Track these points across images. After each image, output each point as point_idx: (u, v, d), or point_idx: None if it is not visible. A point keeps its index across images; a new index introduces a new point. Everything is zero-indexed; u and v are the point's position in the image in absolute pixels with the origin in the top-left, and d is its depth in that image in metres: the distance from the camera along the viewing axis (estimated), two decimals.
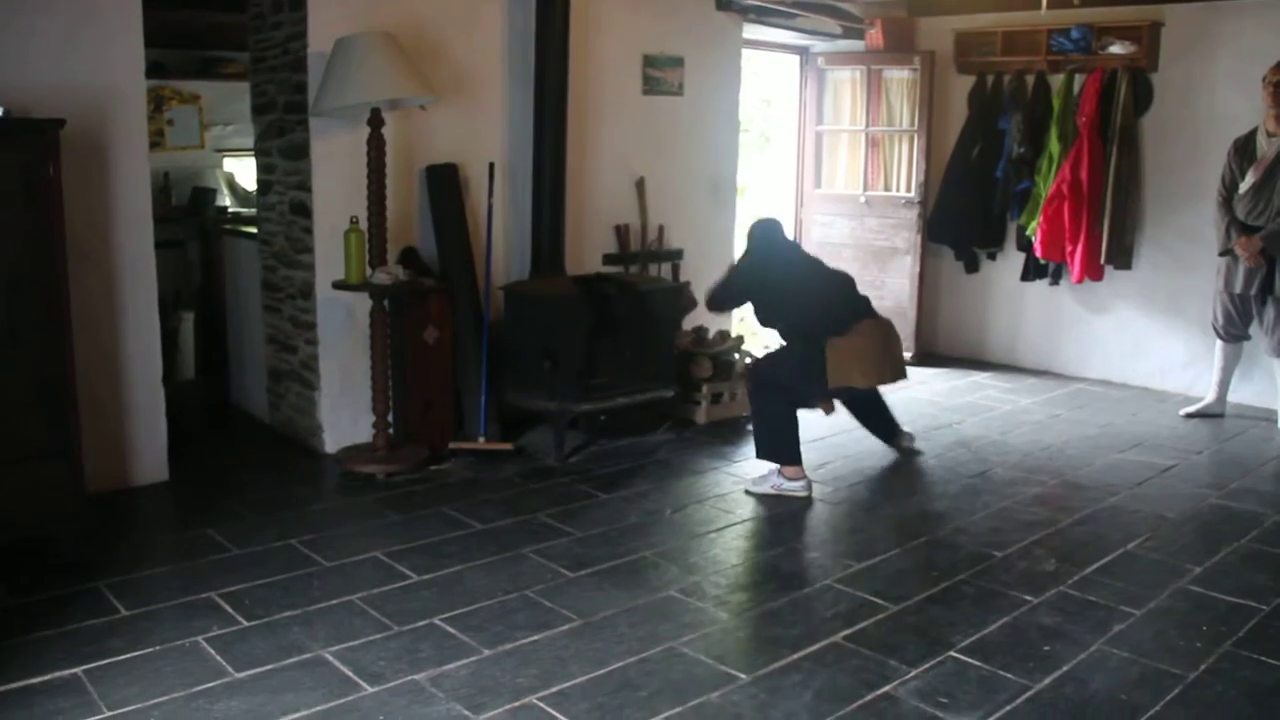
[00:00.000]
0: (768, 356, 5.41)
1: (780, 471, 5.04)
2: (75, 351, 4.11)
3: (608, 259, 6.50)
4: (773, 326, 5.41)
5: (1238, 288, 6.15)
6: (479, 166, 5.74)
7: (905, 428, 5.81)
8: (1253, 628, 3.70)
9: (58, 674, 3.23)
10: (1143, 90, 6.96)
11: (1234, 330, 6.31)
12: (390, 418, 5.26)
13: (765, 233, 5.37)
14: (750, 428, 5.42)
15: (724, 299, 5.43)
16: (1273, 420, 6.29)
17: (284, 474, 5.22)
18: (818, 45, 8.13)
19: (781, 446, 5.07)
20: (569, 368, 5.37)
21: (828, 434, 5.90)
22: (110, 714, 3.02)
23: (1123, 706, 3.17)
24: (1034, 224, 7.26)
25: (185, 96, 7.72)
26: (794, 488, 5.00)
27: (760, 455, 5.14)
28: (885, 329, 5.26)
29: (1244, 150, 6.11)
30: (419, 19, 5.45)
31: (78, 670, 3.25)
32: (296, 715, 3.03)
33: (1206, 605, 3.89)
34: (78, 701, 3.08)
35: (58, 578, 3.90)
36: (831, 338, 5.02)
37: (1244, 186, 6.05)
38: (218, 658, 3.36)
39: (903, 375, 5.32)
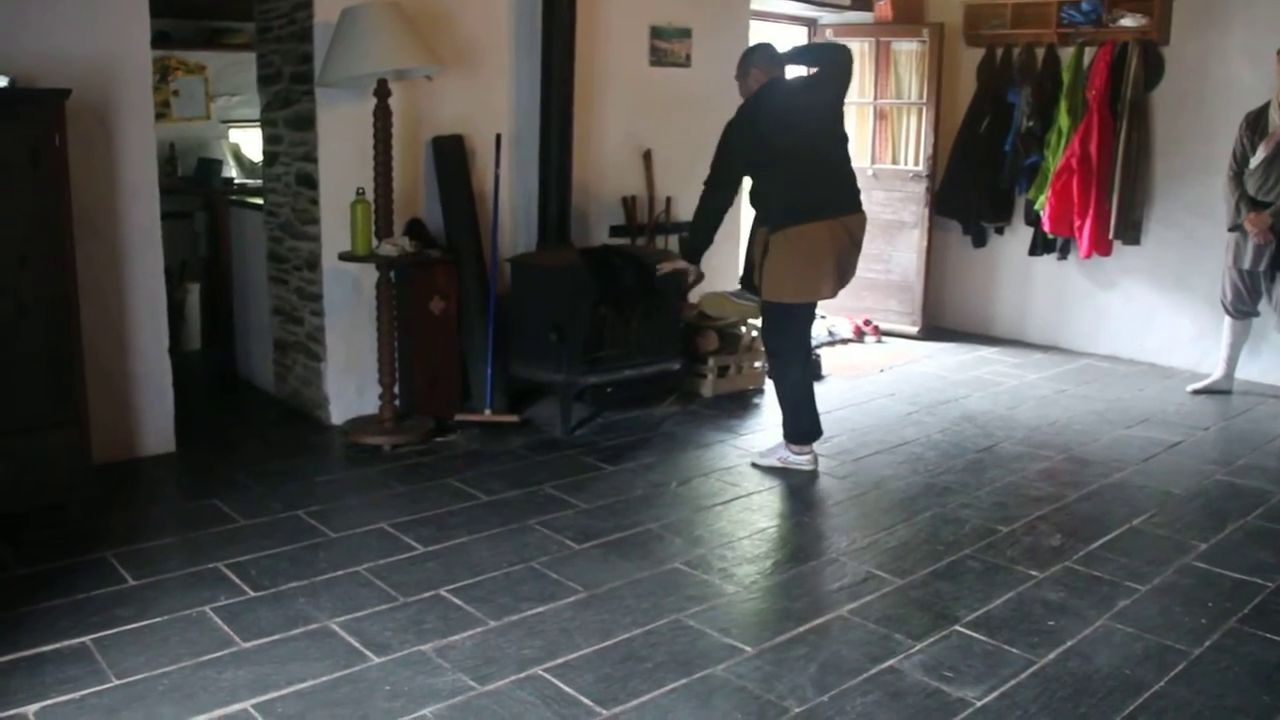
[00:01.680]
0: (765, 313, 4.96)
1: (786, 445, 5.03)
2: (82, 322, 4.12)
3: (615, 231, 6.49)
4: (758, 207, 4.85)
5: (1247, 264, 6.12)
6: (486, 138, 5.72)
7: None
8: (1258, 604, 3.71)
9: (66, 642, 3.25)
10: (1154, 63, 6.92)
11: (1243, 307, 6.28)
12: (396, 389, 5.26)
13: (766, 60, 4.79)
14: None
15: (718, 182, 4.79)
16: None
17: (290, 445, 5.23)
18: (826, 17, 8.07)
19: (800, 424, 4.99)
20: (575, 340, 5.37)
21: (835, 408, 5.90)
22: (118, 683, 3.04)
23: (1127, 682, 3.18)
24: (1042, 198, 7.23)
25: (191, 67, 7.70)
26: (800, 461, 4.98)
27: (786, 438, 5.03)
28: (854, 231, 4.80)
29: (1255, 125, 6.07)
30: None
31: (86, 639, 3.27)
32: (303, 685, 3.05)
33: (1212, 582, 3.89)
34: (86, 670, 3.10)
35: (66, 547, 3.92)
36: (787, 227, 4.63)
37: (1255, 161, 6.01)
38: (225, 627, 3.37)
39: (833, 294, 4.87)
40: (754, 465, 5.05)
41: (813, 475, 4.94)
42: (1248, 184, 6.03)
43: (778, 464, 5.00)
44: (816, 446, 5.07)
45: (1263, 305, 6.25)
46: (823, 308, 7.97)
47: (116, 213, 4.71)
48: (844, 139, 4.93)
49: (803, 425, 4.97)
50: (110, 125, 4.63)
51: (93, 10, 4.51)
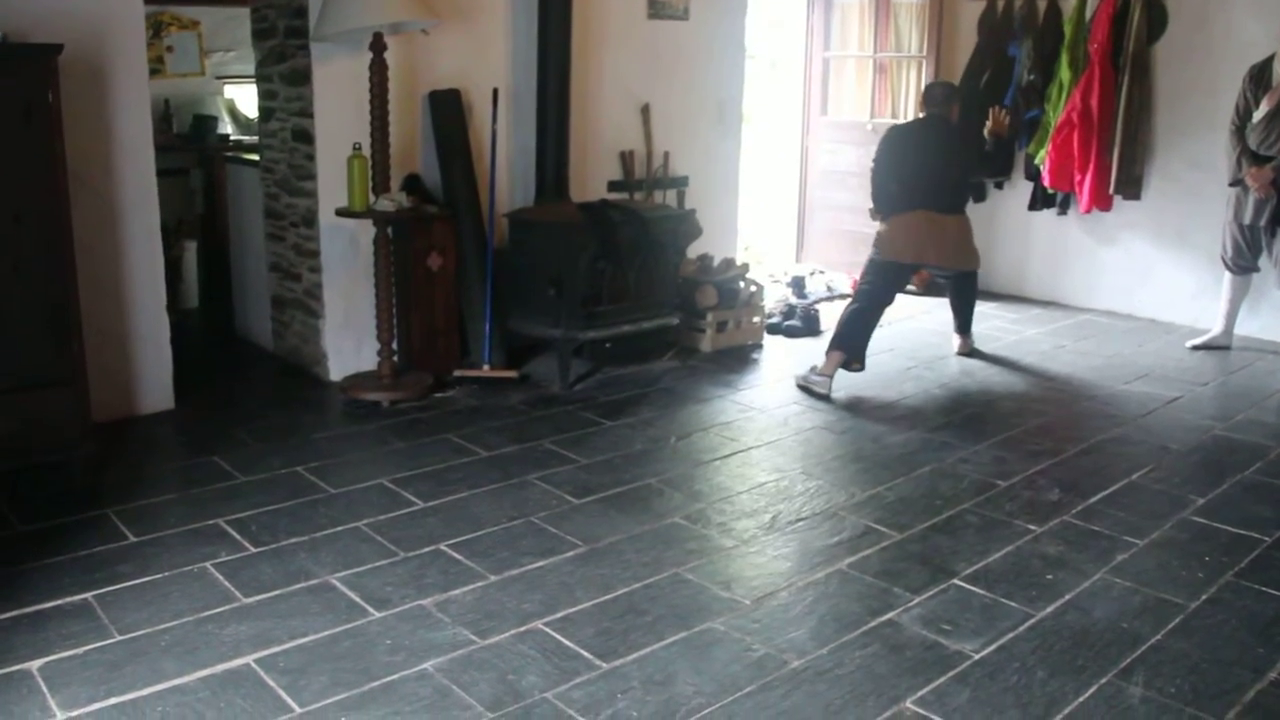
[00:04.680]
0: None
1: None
2: (79, 280, 4.10)
3: (613, 186, 6.45)
4: None
5: (1247, 219, 6.09)
6: (483, 92, 5.68)
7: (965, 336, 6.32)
8: (1254, 558, 3.72)
9: (69, 599, 3.26)
10: (1156, 16, 6.85)
11: (1242, 262, 6.26)
12: (394, 345, 5.26)
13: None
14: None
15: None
16: (1279, 353, 6.25)
17: (289, 402, 5.23)
18: None
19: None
20: (574, 295, 5.35)
21: None
22: (121, 638, 3.06)
23: (1124, 635, 3.20)
24: (1042, 153, 7.19)
25: (185, 22, 7.63)
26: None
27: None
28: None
29: (1259, 78, 6.02)
30: None
31: (88, 595, 3.29)
32: (304, 640, 3.07)
33: (1209, 536, 3.91)
34: (89, 625, 3.12)
35: (66, 505, 3.93)
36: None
37: (1257, 115, 5.96)
38: (226, 583, 3.39)
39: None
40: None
41: (811, 430, 4.96)
42: (1250, 138, 5.99)
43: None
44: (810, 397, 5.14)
45: (1263, 261, 6.23)
46: (822, 263, 8.04)
47: (111, 169, 4.68)
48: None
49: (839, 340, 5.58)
50: (104, 82, 4.59)
51: None
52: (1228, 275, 6.36)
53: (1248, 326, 6.61)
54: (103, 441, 4.40)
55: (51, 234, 3.98)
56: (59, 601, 3.25)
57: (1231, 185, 6.15)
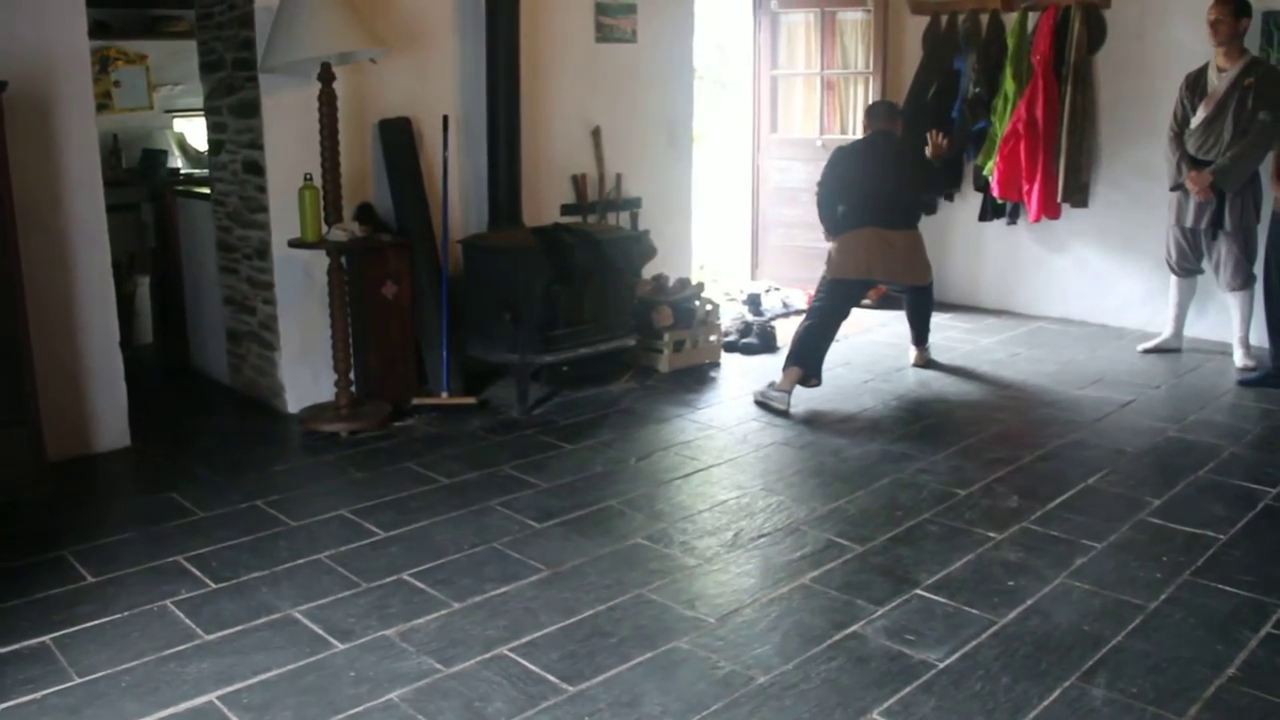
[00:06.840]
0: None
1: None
2: (30, 318, 4.07)
3: (565, 209, 6.47)
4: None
5: (1189, 222, 6.18)
6: (433, 119, 5.68)
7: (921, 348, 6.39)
8: (1210, 557, 3.78)
9: (26, 643, 3.22)
10: (1096, 27, 6.96)
11: (1186, 264, 6.35)
12: (352, 375, 5.23)
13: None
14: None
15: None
16: (1228, 354, 6.35)
17: (247, 436, 5.19)
18: None
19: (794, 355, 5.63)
20: (530, 320, 5.36)
21: None
22: (81, 681, 3.02)
23: (1085, 637, 3.23)
24: (990, 164, 7.28)
25: (131, 56, 7.58)
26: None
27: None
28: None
29: (1195, 85, 6.13)
30: None
31: (46, 638, 3.24)
32: (268, 675, 3.04)
33: (1165, 537, 3.96)
34: (48, 669, 3.07)
35: (21, 546, 3.87)
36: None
37: (1195, 121, 6.07)
38: (187, 620, 3.35)
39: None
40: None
41: (770, 446, 4.98)
42: (1188, 144, 6.09)
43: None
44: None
45: (1207, 263, 6.32)
46: (777, 279, 8.08)
47: (61, 206, 4.64)
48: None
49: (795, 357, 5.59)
50: (50, 118, 4.56)
51: (28, 1, 4.43)
52: (1173, 279, 6.45)
53: (1196, 328, 6.70)
54: (58, 481, 4.36)
55: (0, 273, 3.94)
56: (16, 646, 3.20)
57: (1172, 190, 6.25)
